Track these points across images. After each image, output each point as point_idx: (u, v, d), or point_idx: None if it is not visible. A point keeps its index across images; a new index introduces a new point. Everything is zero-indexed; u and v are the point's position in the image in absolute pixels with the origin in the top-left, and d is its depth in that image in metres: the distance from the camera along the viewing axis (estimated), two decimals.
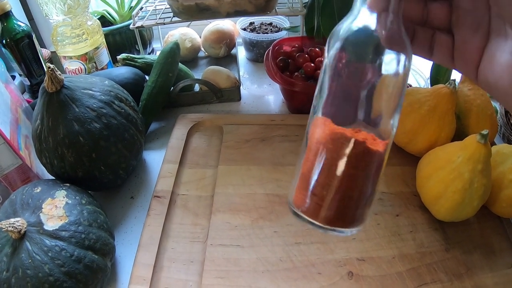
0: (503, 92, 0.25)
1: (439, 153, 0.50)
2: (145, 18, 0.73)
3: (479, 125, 0.57)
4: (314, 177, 0.27)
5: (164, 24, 0.70)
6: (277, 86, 0.80)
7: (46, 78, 0.48)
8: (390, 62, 0.25)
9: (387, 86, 0.25)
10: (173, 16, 0.71)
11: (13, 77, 0.79)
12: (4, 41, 0.71)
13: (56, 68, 0.48)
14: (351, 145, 0.26)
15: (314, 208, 0.28)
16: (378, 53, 0.25)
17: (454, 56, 0.29)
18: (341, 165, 0.26)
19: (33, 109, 0.64)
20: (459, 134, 0.56)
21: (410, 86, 0.73)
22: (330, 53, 0.26)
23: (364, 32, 0.25)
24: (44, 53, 0.83)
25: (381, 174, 0.28)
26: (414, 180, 0.54)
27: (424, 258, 0.47)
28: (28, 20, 0.88)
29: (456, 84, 0.54)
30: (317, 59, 0.68)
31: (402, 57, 0.25)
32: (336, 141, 0.26)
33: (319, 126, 0.27)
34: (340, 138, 0.26)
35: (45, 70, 0.47)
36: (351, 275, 0.45)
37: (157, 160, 0.63)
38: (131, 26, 0.71)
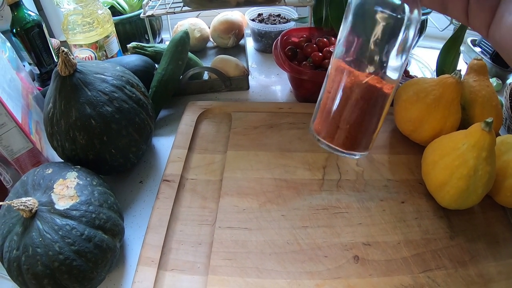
0: (506, 52, 0.27)
1: (445, 140, 0.50)
2: (156, 8, 0.74)
3: (484, 116, 0.57)
4: (332, 107, 0.32)
5: (174, 13, 0.70)
6: (284, 76, 0.81)
7: (59, 61, 0.48)
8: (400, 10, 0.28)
9: (395, 29, 0.29)
10: (183, 6, 0.71)
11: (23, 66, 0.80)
12: (14, 30, 0.71)
13: (70, 52, 0.49)
14: (363, 83, 0.30)
15: (331, 133, 0.33)
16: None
17: (469, 14, 0.30)
18: (354, 98, 0.31)
19: (43, 96, 0.66)
20: (464, 125, 0.56)
21: (416, 76, 0.74)
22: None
23: None
24: (53, 43, 0.84)
25: (384, 112, 0.33)
26: (419, 168, 0.55)
27: (429, 245, 0.47)
28: (38, 11, 0.89)
29: (462, 75, 0.55)
30: (324, 49, 0.68)
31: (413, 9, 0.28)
32: (351, 79, 0.31)
33: (338, 66, 0.32)
34: (354, 76, 0.30)
35: (58, 55, 0.48)
36: (357, 259, 0.46)
37: (166, 146, 0.64)
38: (141, 15, 0.72)
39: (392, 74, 0.31)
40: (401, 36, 0.29)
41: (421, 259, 0.46)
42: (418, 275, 0.44)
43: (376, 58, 0.30)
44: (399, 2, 0.28)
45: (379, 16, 0.28)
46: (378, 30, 0.29)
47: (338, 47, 0.32)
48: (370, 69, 0.30)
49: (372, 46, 0.29)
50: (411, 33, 0.29)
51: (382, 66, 0.31)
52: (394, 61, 0.31)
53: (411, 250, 0.46)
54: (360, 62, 0.31)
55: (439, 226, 0.49)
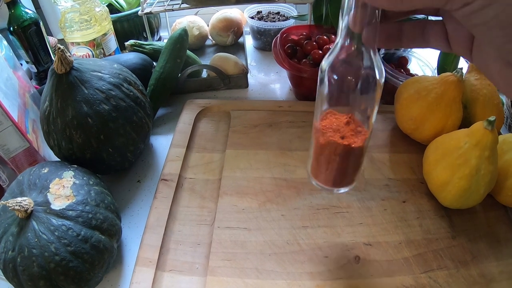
0: (489, 76, 0.27)
1: (446, 139, 0.50)
2: (154, 5, 0.73)
3: (486, 114, 0.56)
4: (320, 160, 0.39)
5: (173, 10, 0.70)
6: (284, 75, 0.80)
7: (55, 59, 0.48)
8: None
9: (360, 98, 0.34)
10: (182, 3, 0.70)
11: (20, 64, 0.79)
12: (11, 28, 0.71)
13: (66, 49, 0.48)
14: (339, 144, 0.36)
15: (322, 177, 0.40)
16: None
17: (450, 42, 0.29)
18: (336, 153, 0.37)
19: (40, 94, 0.65)
20: (465, 123, 0.56)
21: (417, 75, 0.73)
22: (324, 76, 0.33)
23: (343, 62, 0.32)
24: (51, 41, 0.83)
25: (363, 156, 0.38)
26: (421, 167, 0.54)
27: (431, 245, 0.46)
28: (35, 9, 0.89)
29: (463, 73, 0.54)
30: (324, 47, 0.67)
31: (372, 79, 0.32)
32: (331, 141, 0.36)
33: (315, 126, 0.37)
34: (332, 141, 0.36)
35: (55, 52, 0.48)
36: (358, 259, 0.45)
37: (164, 145, 0.64)
38: (139, 13, 0.71)
39: (363, 126, 0.36)
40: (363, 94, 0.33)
41: (422, 259, 0.45)
42: (420, 275, 0.43)
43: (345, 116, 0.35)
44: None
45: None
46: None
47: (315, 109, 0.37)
48: (343, 120, 0.36)
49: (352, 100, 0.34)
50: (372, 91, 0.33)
51: (351, 122, 0.35)
52: (360, 115, 0.35)
53: (413, 250, 0.46)
54: (335, 114, 0.36)
55: (441, 225, 0.49)
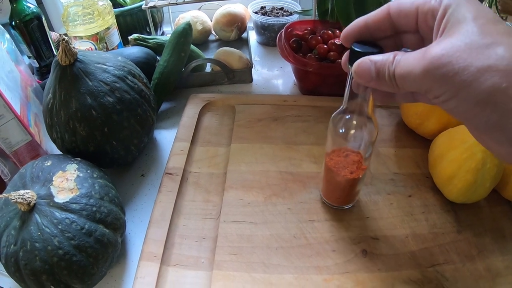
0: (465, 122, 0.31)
1: (452, 133, 0.50)
2: None
3: None
4: (330, 186, 0.48)
5: (177, 4, 0.69)
6: (288, 70, 0.80)
7: (59, 50, 0.47)
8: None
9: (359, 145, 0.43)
10: None
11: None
12: (13, 22, 0.70)
13: (70, 41, 0.47)
14: (344, 174, 0.45)
15: (332, 198, 0.49)
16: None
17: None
18: (342, 182, 0.46)
19: (43, 89, 0.64)
20: None
21: None
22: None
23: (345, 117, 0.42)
24: (53, 36, 0.82)
25: (361, 183, 0.47)
26: (426, 162, 0.54)
27: (437, 239, 0.46)
28: (37, 3, 0.88)
29: None
30: (329, 41, 0.67)
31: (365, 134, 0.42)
32: (334, 172, 0.45)
33: (326, 161, 0.46)
34: (336, 171, 0.45)
35: (58, 47, 0.47)
36: (365, 253, 0.45)
37: (168, 139, 0.63)
38: (143, 7, 0.71)
39: (363, 162, 0.44)
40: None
41: (429, 253, 0.45)
42: (427, 269, 0.43)
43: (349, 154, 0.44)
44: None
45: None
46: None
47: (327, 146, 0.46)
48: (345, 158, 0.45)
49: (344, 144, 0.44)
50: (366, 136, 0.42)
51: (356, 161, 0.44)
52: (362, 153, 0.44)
53: (419, 244, 0.46)
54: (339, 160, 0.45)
55: (446, 220, 0.49)
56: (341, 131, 0.42)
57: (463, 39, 0.26)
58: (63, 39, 0.46)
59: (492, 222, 0.49)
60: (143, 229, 0.49)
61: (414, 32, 0.32)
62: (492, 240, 0.47)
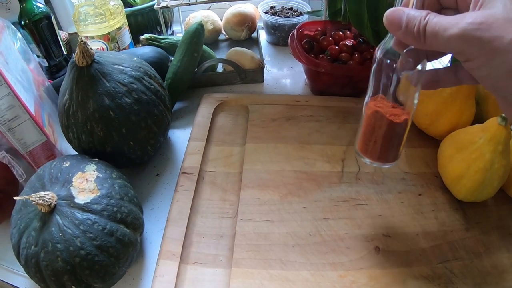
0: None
1: (461, 134, 0.51)
2: None
3: (497, 111, 0.57)
4: (368, 135, 0.43)
5: (189, 4, 0.70)
6: (298, 70, 0.81)
7: (77, 51, 0.47)
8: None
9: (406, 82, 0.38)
10: None
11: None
12: (23, 22, 0.70)
13: (87, 42, 0.48)
14: (386, 117, 0.40)
15: (370, 152, 0.44)
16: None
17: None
18: (382, 128, 0.41)
19: (54, 88, 0.65)
20: (477, 119, 0.56)
21: None
22: (378, 57, 0.38)
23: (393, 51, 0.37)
24: (62, 35, 0.83)
25: (406, 133, 0.42)
26: (435, 161, 0.55)
27: (446, 236, 0.48)
28: (45, 3, 0.88)
29: None
30: (341, 42, 0.68)
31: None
32: (379, 114, 0.41)
33: (369, 106, 0.41)
34: (380, 112, 0.40)
35: (67, 47, 0.47)
36: (378, 250, 0.46)
37: (182, 138, 0.64)
38: (155, 6, 0.71)
39: (407, 104, 0.41)
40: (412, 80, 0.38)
41: (438, 250, 0.46)
42: (436, 265, 0.45)
43: (392, 96, 0.40)
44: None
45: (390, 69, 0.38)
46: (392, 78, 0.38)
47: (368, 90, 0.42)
48: (389, 104, 0.40)
49: (390, 89, 0.39)
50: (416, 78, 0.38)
51: (397, 101, 0.40)
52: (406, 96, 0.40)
53: (429, 241, 0.47)
54: (383, 99, 0.41)
55: (455, 218, 0.50)
56: (387, 61, 0.38)
57: (500, 12, 0.27)
58: (81, 41, 0.47)
59: (499, 220, 0.50)
60: (160, 228, 0.49)
61: (454, 9, 0.34)
62: (498, 237, 0.48)
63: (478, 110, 0.58)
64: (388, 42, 0.37)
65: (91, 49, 0.49)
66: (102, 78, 0.49)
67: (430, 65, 0.50)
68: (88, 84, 0.49)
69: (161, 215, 0.53)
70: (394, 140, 0.42)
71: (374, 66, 0.39)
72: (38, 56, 0.77)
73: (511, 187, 0.51)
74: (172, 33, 0.91)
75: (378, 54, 0.38)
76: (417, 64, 0.36)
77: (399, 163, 0.56)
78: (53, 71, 0.79)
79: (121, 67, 0.52)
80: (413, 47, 0.35)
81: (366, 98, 0.42)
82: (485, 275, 0.44)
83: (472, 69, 0.29)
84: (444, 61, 0.70)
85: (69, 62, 0.50)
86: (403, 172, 0.55)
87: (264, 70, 0.75)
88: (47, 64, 0.78)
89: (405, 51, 0.35)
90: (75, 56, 0.48)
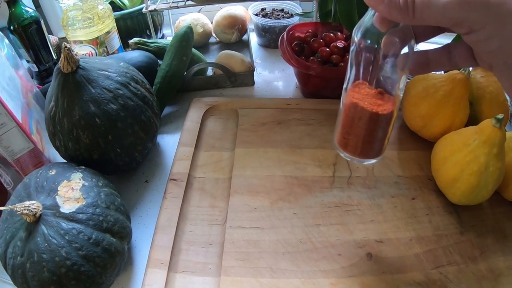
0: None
1: (455, 136, 0.50)
2: (158, 2, 0.72)
3: (492, 112, 0.57)
4: (348, 127, 0.39)
5: (178, 7, 0.69)
6: (289, 72, 0.80)
7: (61, 58, 0.47)
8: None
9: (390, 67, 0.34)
10: (187, 0, 0.70)
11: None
12: (12, 27, 0.70)
13: (72, 48, 0.47)
14: (367, 110, 0.36)
15: (350, 147, 0.40)
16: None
17: (476, 59, 0.29)
18: (363, 120, 0.37)
19: (43, 94, 0.64)
20: (471, 121, 0.56)
21: None
22: (357, 39, 0.33)
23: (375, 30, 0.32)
24: (52, 39, 0.82)
25: (391, 125, 0.38)
26: (429, 164, 0.55)
27: (440, 241, 0.47)
28: (35, 7, 0.87)
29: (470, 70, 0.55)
30: (332, 44, 0.67)
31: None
32: (359, 104, 0.37)
33: (349, 94, 0.37)
34: (361, 102, 0.36)
35: (57, 52, 0.47)
36: (370, 256, 0.45)
37: (171, 144, 0.63)
38: (144, 10, 0.70)
39: (391, 96, 0.37)
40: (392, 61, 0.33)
41: (433, 255, 0.45)
42: (431, 271, 0.44)
43: (375, 83, 0.36)
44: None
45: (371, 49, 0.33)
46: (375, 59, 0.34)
47: (347, 76, 0.37)
48: (371, 92, 0.36)
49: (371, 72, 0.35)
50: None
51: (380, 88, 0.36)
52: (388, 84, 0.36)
53: (423, 246, 0.46)
54: (365, 86, 0.36)
55: (450, 222, 0.49)
56: (368, 42, 0.33)
57: None
58: (65, 47, 0.46)
59: (494, 223, 0.49)
60: (148, 236, 0.49)
61: None
62: (494, 240, 0.47)
63: (472, 111, 0.57)
64: (369, 19, 0.31)
65: (76, 55, 0.48)
66: (87, 84, 0.48)
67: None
68: (74, 91, 0.48)
69: (150, 222, 0.52)
70: (377, 133, 0.38)
71: (352, 48, 0.34)
72: (27, 61, 0.76)
73: (507, 190, 0.50)
74: (162, 36, 0.90)
75: (356, 35, 0.33)
76: (404, 46, 0.31)
77: (392, 167, 0.56)
78: (43, 76, 0.78)
79: (107, 72, 0.51)
80: (399, 24, 0.29)
81: (345, 85, 0.37)
82: (481, 279, 0.43)
83: (477, 43, 0.24)
84: None
85: (55, 68, 0.49)
86: (396, 176, 0.55)
87: (255, 73, 0.75)
88: (37, 69, 0.77)
89: (389, 30, 0.30)
90: (59, 63, 0.47)
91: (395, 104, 0.36)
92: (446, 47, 0.32)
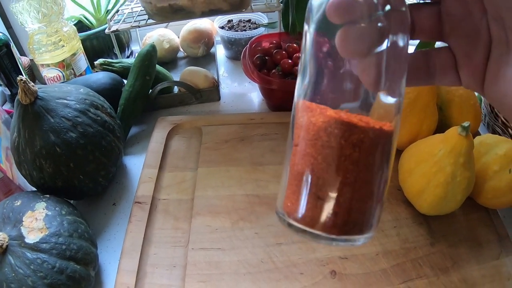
0: (504, 110, 0.22)
1: (421, 146, 0.49)
2: (121, 22, 0.73)
3: (462, 116, 0.56)
4: (305, 169, 0.22)
5: (140, 27, 0.69)
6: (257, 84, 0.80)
7: (19, 90, 0.47)
8: None
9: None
10: (148, 18, 0.70)
11: None
12: None
13: (28, 80, 0.47)
14: (353, 130, 0.20)
15: (314, 214, 0.22)
16: None
17: (460, 74, 0.25)
18: (345, 157, 0.21)
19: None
20: (442, 126, 0.55)
21: None
22: (311, 28, 0.21)
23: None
24: (24, 61, 0.82)
25: (391, 165, 0.23)
26: (396, 173, 0.53)
27: (409, 254, 0.46)
28: (7, 29, 0.87)
29: None
30: (294, 55, 0.67)
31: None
32: (332, 129, 0.21)
33: (307, 114, 0.22)
34: (337, 123, 0.20)
35: (18, 82, 0.47)
36: (334, 274, 0.45)
37: (138, 165, 0.63)
38: (106, 31, 0.70)
39: (391, 102, 0.22)
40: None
41: (401, 269, 0.45)
42: (398, 286, 0.43)
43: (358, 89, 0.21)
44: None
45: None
46: None
47: (301, 83, 0.23)
48: (352, 100, 0.22)
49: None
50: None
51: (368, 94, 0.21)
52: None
53: (390, 261, 0.46)
54: (337, 94, 0.22)
55: (419, 233, 0.48)
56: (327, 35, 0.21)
57: None
58: (21, 79, 0.47)
59: (467, 231, 0.49)
60: (117, 258, 0.49)
61: None
62: (467, 249, 0.47)
63: (441, 116, 0.56)
64: None
65: (32, 86, 0.48)
66: (46, 114, 0.49)
67: None
68: (33, 121, 0.49)
69: (117, 246, 0.52)
70: (381, 170, 0.22)
71: (305, 44, 0.22)
72: (0, 85, 0.76)
73: (480, 195, 0.49)
74: (131, 54, 0.90)
75: (310, 26, 0.21)
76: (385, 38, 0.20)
77: None
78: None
79: (65, 101, 0.51)
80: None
81: (299, 101, 0.23)
82: None
83: None
84: None
85: (15, 100, 0.49)
86: None
87: (222, 86, 0.75)
88: (9, 92, 0.77)
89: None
90: (18, 95, 0.48)
91: (393, 120, 0.22)
92: (424, 52, 0.25)
